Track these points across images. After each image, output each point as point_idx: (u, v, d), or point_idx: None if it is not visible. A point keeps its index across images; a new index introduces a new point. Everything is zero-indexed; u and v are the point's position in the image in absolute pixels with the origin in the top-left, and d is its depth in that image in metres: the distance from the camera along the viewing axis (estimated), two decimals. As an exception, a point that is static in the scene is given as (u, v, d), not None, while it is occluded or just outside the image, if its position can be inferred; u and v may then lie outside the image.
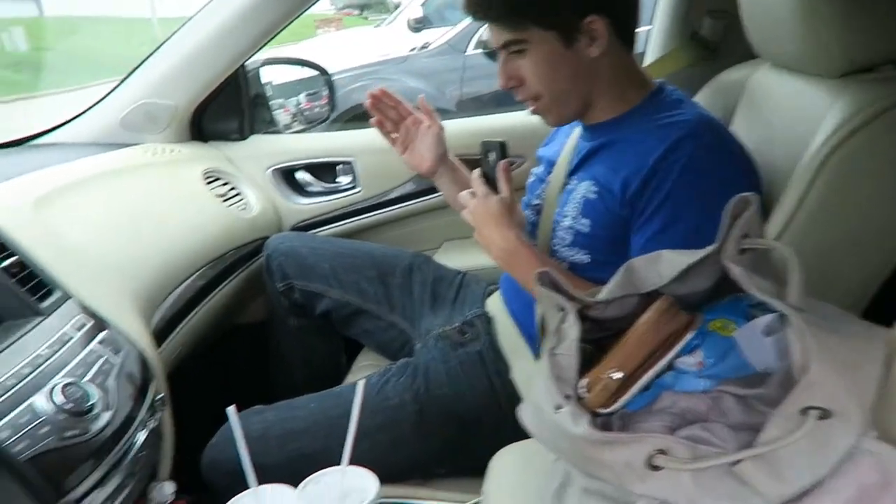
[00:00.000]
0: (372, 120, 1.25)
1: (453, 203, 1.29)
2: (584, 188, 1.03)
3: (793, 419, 0.50)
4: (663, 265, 0.65)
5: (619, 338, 0.64)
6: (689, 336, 0.60)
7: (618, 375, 0.57)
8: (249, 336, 1.65)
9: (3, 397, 0.77)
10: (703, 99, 1.19)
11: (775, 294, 0.54)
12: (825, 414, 0.49)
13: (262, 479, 0.98)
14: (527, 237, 1.04)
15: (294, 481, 1.02)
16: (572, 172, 1.08)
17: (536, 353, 1.10)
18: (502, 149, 1.05)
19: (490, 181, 1.06)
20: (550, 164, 1.14)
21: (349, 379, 1.37)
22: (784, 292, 0.56)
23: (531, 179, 1.22)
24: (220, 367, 1.54)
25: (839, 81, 0.89)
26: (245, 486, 1.00)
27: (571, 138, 1.12)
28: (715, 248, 0.61)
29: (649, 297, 0.69)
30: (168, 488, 1.01)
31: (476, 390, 1.12)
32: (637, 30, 1.03)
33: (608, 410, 0.59)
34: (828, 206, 0.84)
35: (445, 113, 1.27)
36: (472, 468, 1.08)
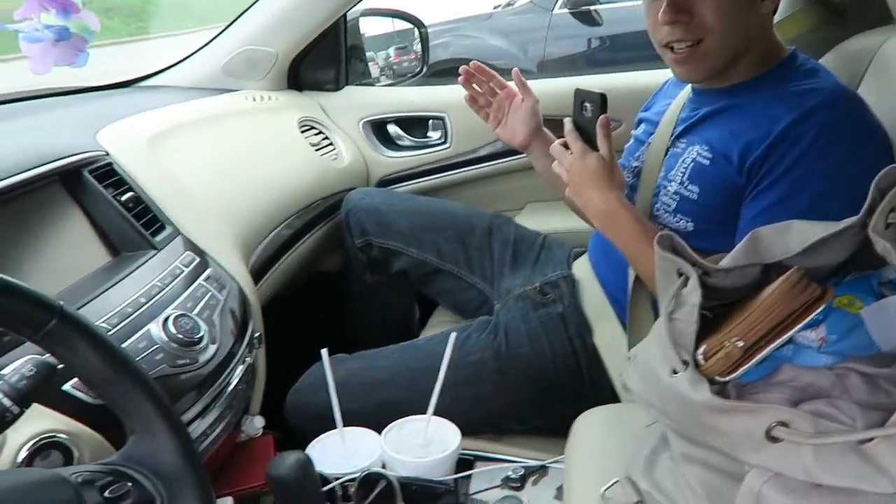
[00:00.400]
0: (465, 96, 1.23)
1: (545, 174, 1.27)
2: (694, 152, 0.99)
3: (935, 402, 0.47)
4: (792, 236, 0.62)
5: (740, 306, 0.62)
6: (818, 310, 0.57)
7: (740, 344, 0.56)
8: (329, 283, 1.69)
9: (124, 323, 0.82)
10: (826, 67, 1.12)
11: (923, 271, 0.51)
12: (973, 399, 0.46)
13: (345, 424, 1.02)
14: (626, 200, 1.01)
15: (375, 428, 1.06)
16: (680, 135, 1.04)
17: (623, 318, 1.09)
18: (602, 102, 0.97)
19: (584, 134, 1.00)
20: (653, 125, 1.10)
21: (426, 334, 1.39)
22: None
23: (630, 142, 1.18)
24: (301, 312, 1.58)
25: None
26: (328, 430, 1.04)
27: (678, 98, 1.08)
28: (857, 220, 0.58)
29: (770, 269, 0.66)
30: (258, 422, 1.06)
31: (556, 352, 1.11)
32: None
33: (725, 379, 0.57)
34: None
35: (527, 73, 1.23)
36: (549, 428, 1.09)
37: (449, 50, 4.36)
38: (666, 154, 1.04)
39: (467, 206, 1.48)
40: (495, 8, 4.98)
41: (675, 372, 0.57)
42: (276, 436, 1.07)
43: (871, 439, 0.49)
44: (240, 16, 1.55)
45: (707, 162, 0.97)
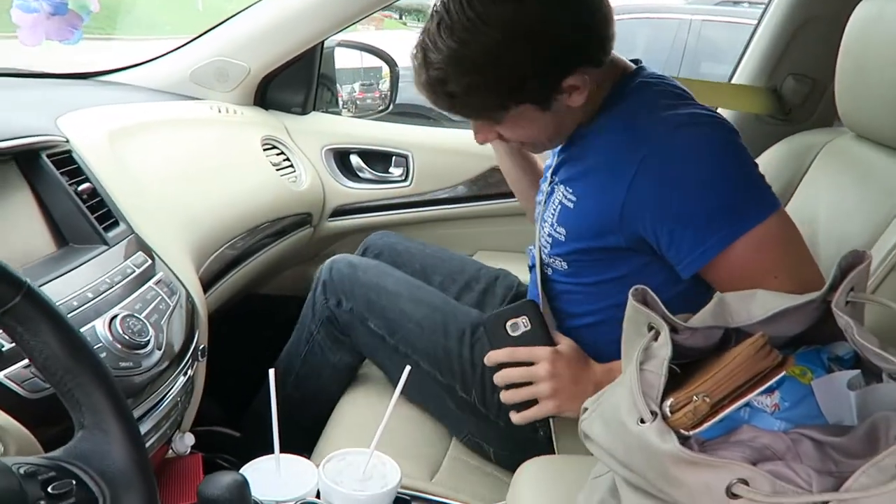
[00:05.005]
0: None
1: (506, 172, 1.29)
2: (559, 193, 0.99)
3: (887, 471, 0.50)
4: (756, 304, 0.66)
5: (703, 365, 0.65)
6: (778, 376, 0.60)
7: (708, 400, 0.58)
8: (266, 308, 1.66)
9: (67, 316, 0.77)
10: (775, 156, 1.20)
11: (881, 348, 0.55)
12: (922, 471, 0.49)
13: (352, 287, 1.18)
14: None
15: (369, 302, 1.16)
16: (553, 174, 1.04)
17: None
18: (535, 309, 0.94)
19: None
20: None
21: None
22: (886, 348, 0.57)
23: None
24: (238, 333, 1.53)
25: None
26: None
27: None
28: (819, 295, 0.62)
29: (729, 334, 0.70)
30: (188, 440, 1.01)
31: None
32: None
33: (689, 433, 0.59)
34: None
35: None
36: (493, 470, 1.09)
37: (403, 95, 4.42)
38: (546, 197, 1.03)
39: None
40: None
41: (642, 421, 0.59)
42: (205, 458, 1.02)
43: (826, 503, 0.52)
44: (216, 26, 1.54)
45: (571, 206, 0.95)
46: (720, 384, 0.59)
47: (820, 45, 1.29)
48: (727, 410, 0.59)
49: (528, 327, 0.93)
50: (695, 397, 0.58)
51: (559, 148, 1.04)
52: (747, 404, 0.65)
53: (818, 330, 0.69)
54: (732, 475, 0.54)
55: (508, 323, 0.94)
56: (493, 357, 0.95)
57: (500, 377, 0.95)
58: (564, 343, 0.95)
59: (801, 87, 1.42)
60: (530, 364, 0.93)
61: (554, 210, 0.99)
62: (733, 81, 1.55)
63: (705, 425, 0.59)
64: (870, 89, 0.98)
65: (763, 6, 1.53)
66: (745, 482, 0.54)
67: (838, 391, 0.64)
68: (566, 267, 0.99)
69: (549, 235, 1.00)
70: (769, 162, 1.19)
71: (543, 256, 1.02)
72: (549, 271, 1.03)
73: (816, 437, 0.59)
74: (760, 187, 0.86)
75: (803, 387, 0.66)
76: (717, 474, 0.55)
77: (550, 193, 1.02)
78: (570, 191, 0.96)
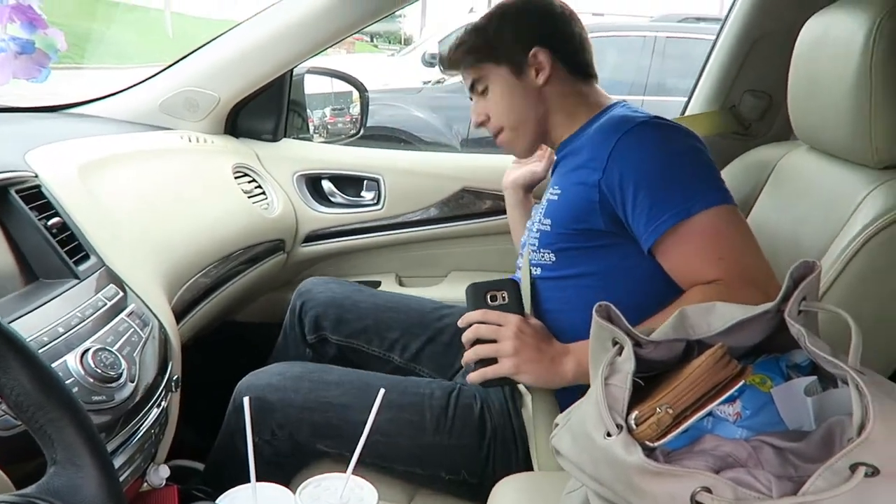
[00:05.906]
0: None
1: (513, 224, 1.40)
2: (548, 194, 1.11)
3: (841, 473, 0.52)
4: (715, 316, 0.68)
5: (666, 377, 0.67)
6: (738, 385, 0.62)
7: (671, 411, 0.60)
8: (243, 334, 1.65)
9: (39, 352, 0.77)
10: (734, 171, 1.24)
11: (832, 355, 0.58)
12: (874, 472, 0.51)
13: (287, 414, 1.08)
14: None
15: (315, 425, 1.08)
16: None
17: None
18: (516, 289, 1.05)
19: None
20: None
21: None
22: (836, 355, 0.59)
23: None
24: (213, 361, 1.53)
25: (880, 172, 0.95)
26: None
27: None
28: (773, 305, 0.65)
29: (691, 346, 0.72)
30: (164, 472, 1.00)
31: (495, 411, 1.11)
32: (589, 60, 1.15)
33: (654, 445, 0.61)
34: (859, 290, 0.88)
35: (448, 148, 1.37)
36: (471, 486, 1.09)
37: (374, 118, 4.46)
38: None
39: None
40: (425, 83, 5.17)
41: (608, 435, 0.60)
42: (181, 490, 1.01)
43: (784, 506, 0.54)
44: (184, 56, 1.55)
45: (556, 197, 1.07)
46: (682, 395, 0.61)
47: (774, 62, 1.33)
48: (690, 421, 0.61)
49: (506, 301, 1.03)
50: (658, 409, 0.60)
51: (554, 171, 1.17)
52: (710, 414, 0.67)
53: (776, 339, 0.72)
54: (696, 484, 0.56)
55: (489, 294, 1.04)
56: (467, 318, 1.04)
57: (468, 334, 1.03)
58: (534, 320, 1.05)
59: (758, 102, 1.47)
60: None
61: (541, 210, 1.10)
62: (693, 100, 1.60)
63: (669, 436, 0.61)
64: (818, 103, 1.02)
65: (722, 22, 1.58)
66: (709, 490, 0.56)
67: (797, 398, 0.67)
68: (553, 259, 1.07)
69: (538, 231, 1.09)
70: (729, 177, 1.23)
71: (532, 255, 1.09)
72: (538, 271, 1.09)
73: (776, 444, 0.62)
74: (717, 180, 0.99)
75: (763, 395, 0.68)
76: (681, 483, 0.56)
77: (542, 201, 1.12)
78: (557, 187, 1.09)
